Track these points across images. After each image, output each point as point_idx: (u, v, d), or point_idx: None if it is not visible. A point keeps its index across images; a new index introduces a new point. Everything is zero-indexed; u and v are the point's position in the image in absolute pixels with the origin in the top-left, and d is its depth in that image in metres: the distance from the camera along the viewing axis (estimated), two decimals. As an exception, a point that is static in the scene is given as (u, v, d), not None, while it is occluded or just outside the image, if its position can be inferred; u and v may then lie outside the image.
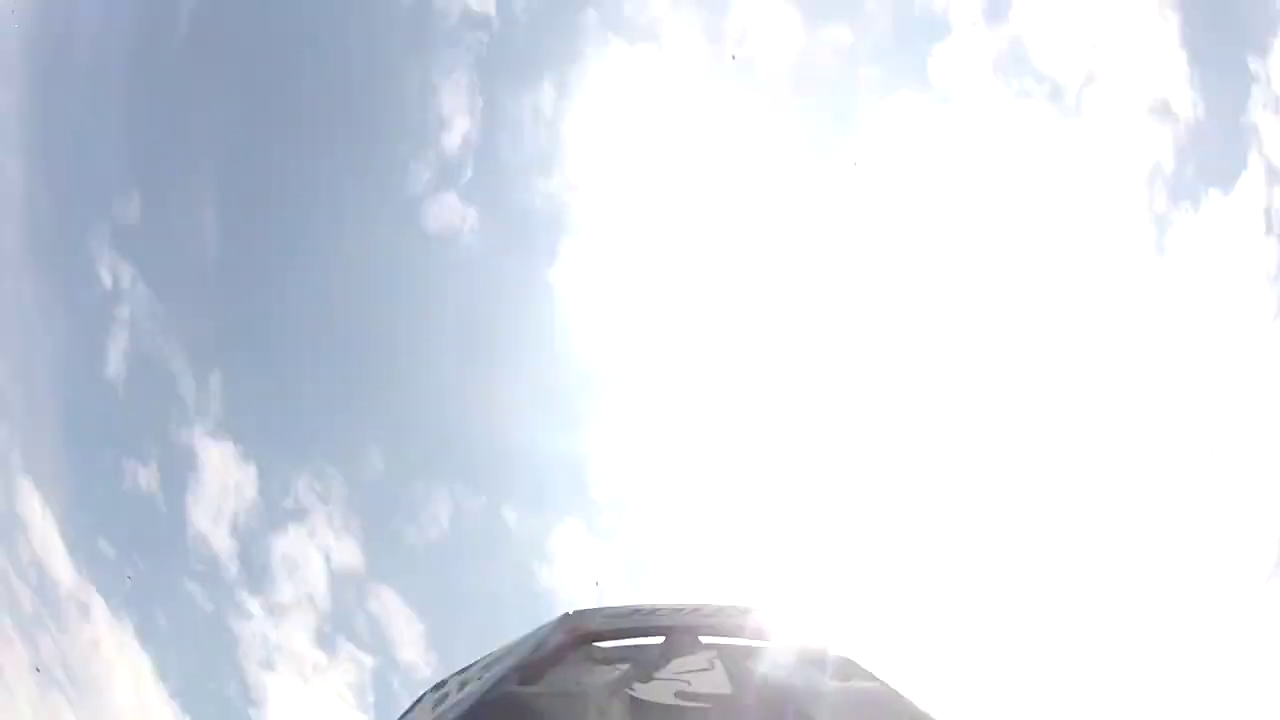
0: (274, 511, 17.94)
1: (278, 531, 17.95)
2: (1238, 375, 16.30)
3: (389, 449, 19.05)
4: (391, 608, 17.57)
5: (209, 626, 17.69)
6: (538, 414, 18.13)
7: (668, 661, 0.84)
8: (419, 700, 0.84)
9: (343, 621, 17.84)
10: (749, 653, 0.91)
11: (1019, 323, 17.20)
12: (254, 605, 17.75)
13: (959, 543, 16.44)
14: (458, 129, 17.83)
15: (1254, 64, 16.09)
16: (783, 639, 0.86)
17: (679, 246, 17.97)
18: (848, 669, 0.84)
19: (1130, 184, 16.77)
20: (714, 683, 0.81)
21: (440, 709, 0.80)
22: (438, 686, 0.85)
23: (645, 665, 0.82)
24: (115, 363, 17.67)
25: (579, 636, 0.88)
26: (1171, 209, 16.71)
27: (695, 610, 1.01)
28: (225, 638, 17.63)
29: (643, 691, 0.77)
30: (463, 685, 0.82)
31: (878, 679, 0.87)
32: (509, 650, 0.86)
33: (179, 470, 17.90)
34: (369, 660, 17.47)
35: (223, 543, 17.67)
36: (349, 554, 17.92)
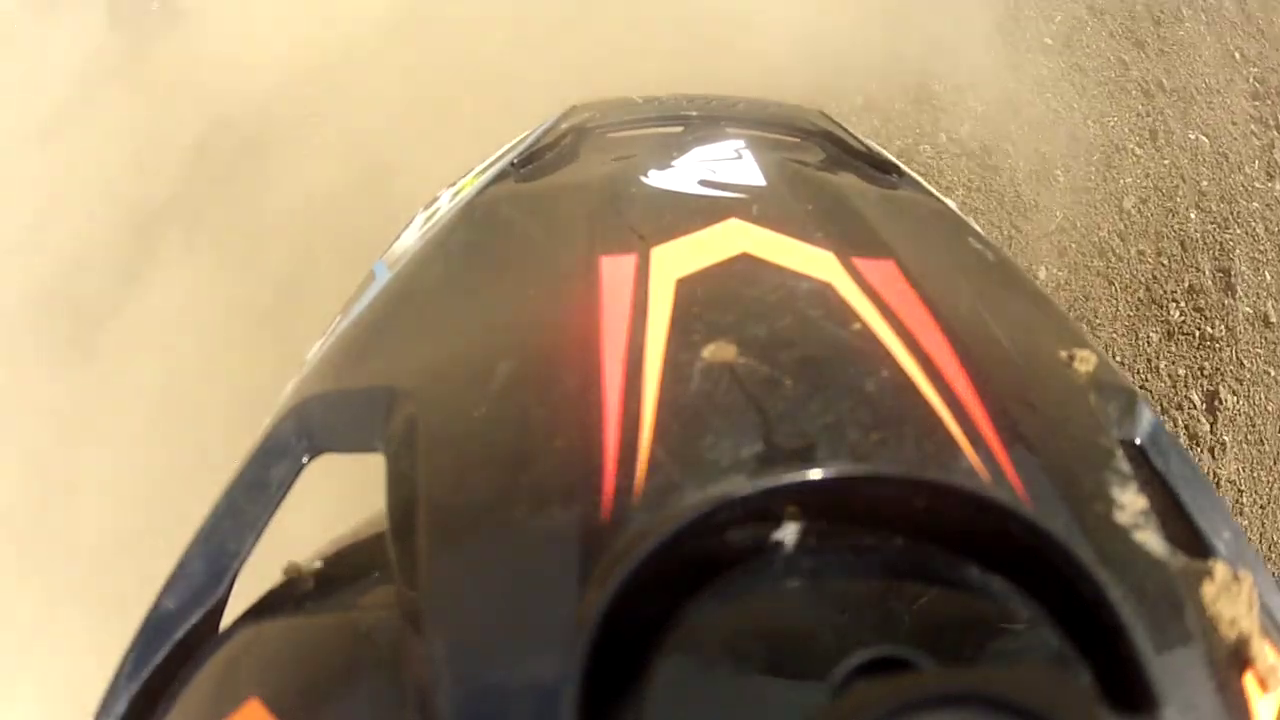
0: None
1: None
2: None
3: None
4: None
5: None
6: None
7: (687, 150, 0.75)
8: (409, 223, 0.76)
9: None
10: (783, 145, 0.81)
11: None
12: None
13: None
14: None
15: None
16: (826, 135, 0.75)
17: None
18: (898, 171, 0.74)
19: None
20: (743, 173, 0.72)
21: (430, 223, 0.71)
22: (429, 204, 0.77)
23: (661, 153, 0.73)
24: None
25: (587, 128, 0.79)
26: None
27: (720, 101, 0.91)
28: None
29: (659, 179, 0.67)
30: (455, 195, 0.73)
31: (929, 189, 0.76)
32: (503, 154, 0.77)
33: None
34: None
35: None
36: None
